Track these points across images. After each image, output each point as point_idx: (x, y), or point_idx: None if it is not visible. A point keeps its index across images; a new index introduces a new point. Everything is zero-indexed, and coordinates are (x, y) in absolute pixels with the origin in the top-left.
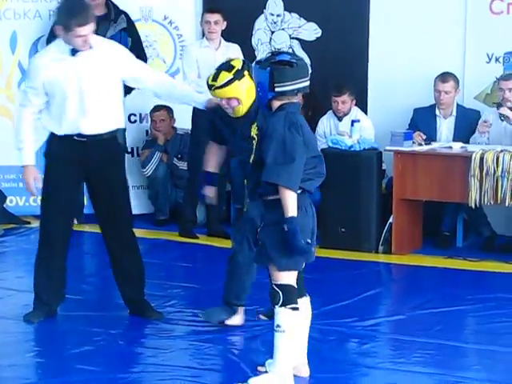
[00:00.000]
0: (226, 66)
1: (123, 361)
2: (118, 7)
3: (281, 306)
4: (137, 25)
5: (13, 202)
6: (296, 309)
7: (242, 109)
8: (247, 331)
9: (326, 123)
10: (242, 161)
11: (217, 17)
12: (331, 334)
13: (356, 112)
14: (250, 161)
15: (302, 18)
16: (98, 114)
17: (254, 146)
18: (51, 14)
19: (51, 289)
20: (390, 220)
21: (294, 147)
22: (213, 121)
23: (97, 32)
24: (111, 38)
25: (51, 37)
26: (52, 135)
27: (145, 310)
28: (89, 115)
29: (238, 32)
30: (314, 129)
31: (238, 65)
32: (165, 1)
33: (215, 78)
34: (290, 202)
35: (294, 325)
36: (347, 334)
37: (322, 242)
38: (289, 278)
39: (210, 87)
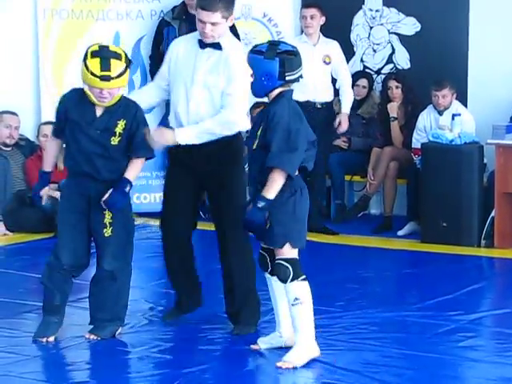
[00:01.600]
0: (111, 53)
1: (237, 359)
2: None
3: (292, 280)
4: (236, 23)
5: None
6: (305, 279)
7: (117, 96)
8: None
9: (426, 117)
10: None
11: (313, 11)
12: (435, 327)
13: (457, 106)
14: (253, 148)
15: (400, 13)
16: (199, 115)
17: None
18: (153, 14)
19: (184, 288)
20: (492, 214)
21: (298, 136)
22: (66, 111)
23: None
24: None
25: (157, 35)
26: None
27: (234, 323)
28: (191, 116)
29: (337, 28)
30: (414, 123)
31: (121, 51)
32: None
33: (107, 67)
34: (278, 186)
35: (308, 294)
36: (452, 327)
37: (424, 237)
38: (294, 252)
39: (102, 78)
